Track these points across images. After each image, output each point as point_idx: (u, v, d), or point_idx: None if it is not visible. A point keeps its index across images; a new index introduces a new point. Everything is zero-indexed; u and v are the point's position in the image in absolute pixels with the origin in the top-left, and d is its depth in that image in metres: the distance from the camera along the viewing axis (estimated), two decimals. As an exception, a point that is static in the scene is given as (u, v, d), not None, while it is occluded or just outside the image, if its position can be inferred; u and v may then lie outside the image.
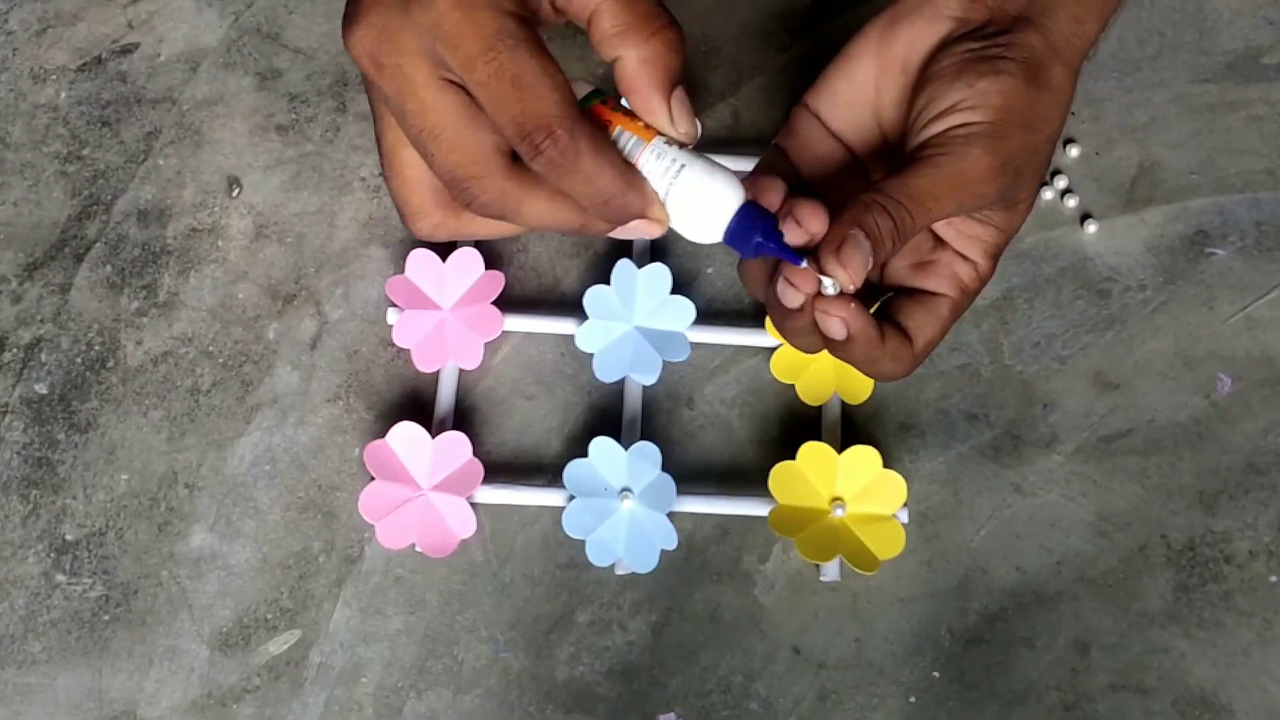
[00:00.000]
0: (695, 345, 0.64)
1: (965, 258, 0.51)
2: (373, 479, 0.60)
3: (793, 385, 0.63)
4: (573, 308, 0.64)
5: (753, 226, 0.46)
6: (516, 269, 0.67)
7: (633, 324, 0.64)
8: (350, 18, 0.45)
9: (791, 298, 0.47)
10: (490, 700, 0.58)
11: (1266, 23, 0.73)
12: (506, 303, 0.65)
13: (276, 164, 0.69)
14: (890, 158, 0.52)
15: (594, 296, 0.64)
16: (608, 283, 0.64)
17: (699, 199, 0.46)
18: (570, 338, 0.64)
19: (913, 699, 0.58)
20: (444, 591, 0.60)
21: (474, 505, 0.60)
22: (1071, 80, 0.50)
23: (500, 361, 0.65)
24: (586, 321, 0.64)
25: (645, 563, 0.59)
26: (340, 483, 0.62)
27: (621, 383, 0.64)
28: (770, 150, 0.53)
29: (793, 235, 0.46)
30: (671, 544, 0.59)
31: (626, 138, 0.46)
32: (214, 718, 0.58)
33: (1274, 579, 0.60)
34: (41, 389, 0.64)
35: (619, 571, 0.60)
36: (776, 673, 0.59)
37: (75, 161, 0.69)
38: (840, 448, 0.60)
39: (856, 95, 0.52)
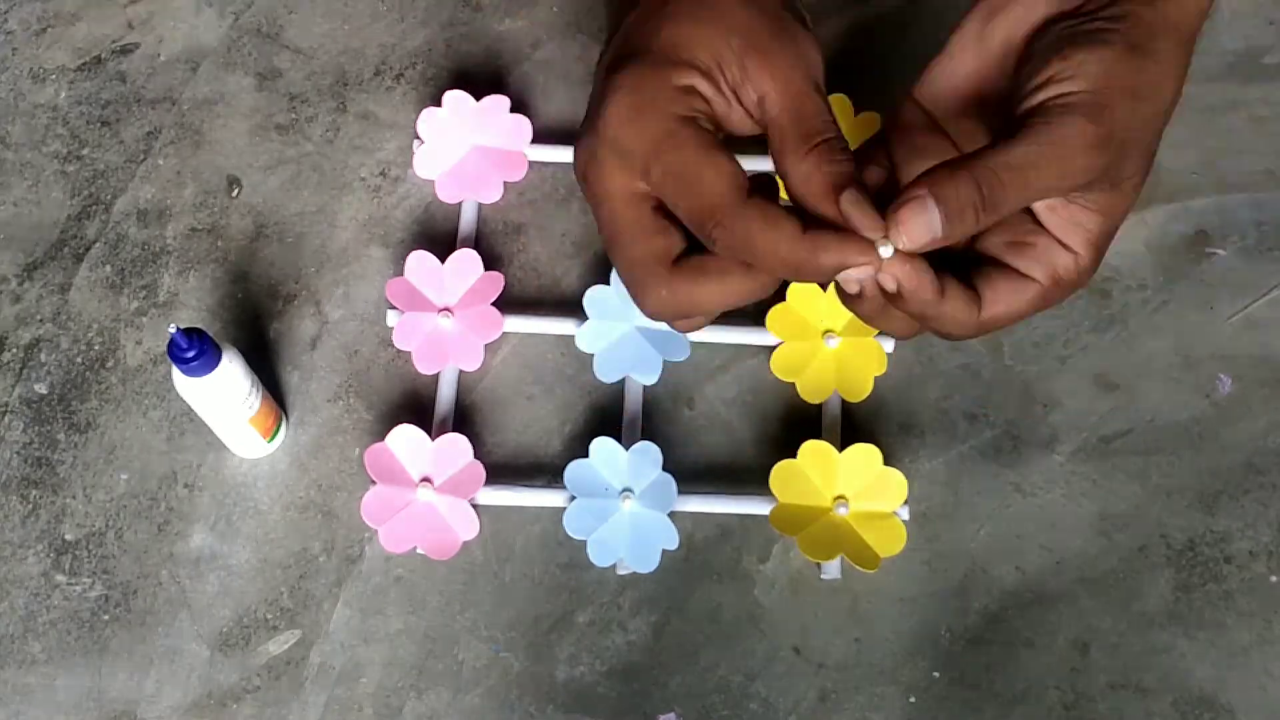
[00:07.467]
0: (695, 345, 0.64)
1: (1065, 246, 0.48)
2: (373, 482, 0.60)
3: (793, 384, 0.63)
4: (573, 308, 0.64)
5: None
6: (516, 269, 0.67)
7: (633, 324, 0.64)
8: (575, 140, 0.50)
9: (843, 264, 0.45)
10: (490, 700, 0.58)
11: (1267, 23, 0.73)
12: (506, 303, 0.65)
13: (276, 164, 0.69)
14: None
15: (594, 296, 0.64)
16: (607, 282, 0.64)
17: None
18: (570, 338, 0.64)
19: (913, 699, 0.58)
20: (444, 592, 0.60)
21: (475, 506, 0.60)
22: (1184, 50, 0.47)
23: (500, 362, 0.65)
24: (587, 321, 0.64)
25: (646, 563, 0.59)
26: (340, 483, 0.62)
27: (622, 383, 0.64)
28: (870, 141, 0.52)
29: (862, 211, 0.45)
30: (672, 544, 0.59)
31: None
32: (214, 718, 0.58)
33: (1274, 579, 0.60)
34: (41, 389, 0.64)
35: (620, 571, 0.60)
36: (777, 673, 0.59)
37: (75, 161, 0.69)
38: (840, 446, 0.60)
39: (959, 88, 0.51)
